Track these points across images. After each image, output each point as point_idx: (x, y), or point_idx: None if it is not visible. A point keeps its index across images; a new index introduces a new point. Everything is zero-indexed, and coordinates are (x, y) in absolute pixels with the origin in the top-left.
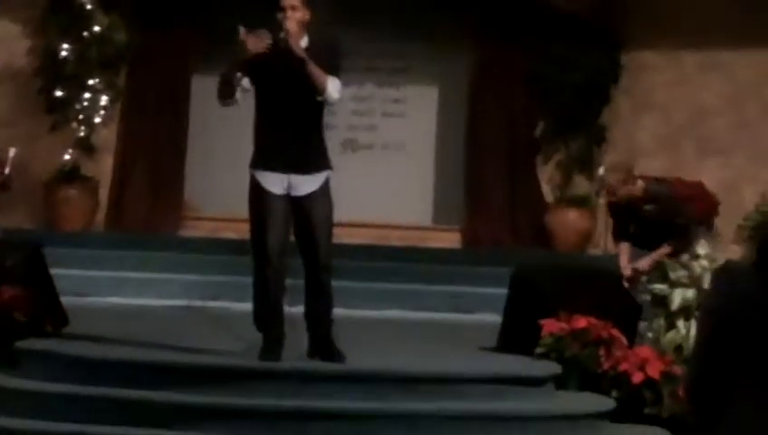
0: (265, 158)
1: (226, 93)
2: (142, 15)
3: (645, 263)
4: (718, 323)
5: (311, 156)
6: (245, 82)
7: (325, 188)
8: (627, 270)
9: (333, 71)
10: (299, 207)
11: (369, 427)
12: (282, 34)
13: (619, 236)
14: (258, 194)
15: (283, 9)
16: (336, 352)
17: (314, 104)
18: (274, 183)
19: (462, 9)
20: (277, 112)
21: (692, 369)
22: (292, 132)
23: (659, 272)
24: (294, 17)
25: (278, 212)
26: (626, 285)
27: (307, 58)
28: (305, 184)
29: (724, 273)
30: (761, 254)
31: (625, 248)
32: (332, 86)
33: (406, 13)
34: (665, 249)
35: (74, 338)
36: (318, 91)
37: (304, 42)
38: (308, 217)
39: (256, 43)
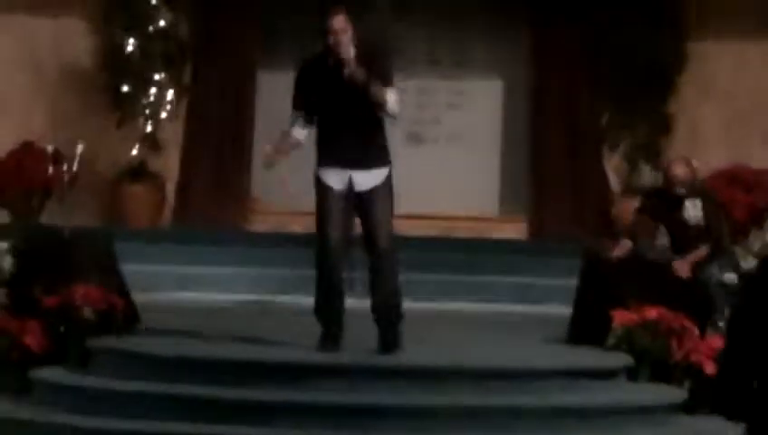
0: (327, 157)
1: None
2: (206, 10)
3: (685, 266)
4: None
5: (370, 155)
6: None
7: (387, 183)
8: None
9: (388, 81)
10: (360, 201)
11: (439, 422)
12: (346, 71)
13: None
14: (320, 190)
15: (334, 32)
16: (392, 343)
17: (373, 114)
18: (335, 179)
19: None
20: (337, 126)
21: None
22: (351, 140)
23: (729, 261)
24: (346, 39)
25: (338, 206)
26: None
27: (371, 81)
28: (366, 180)
29: None
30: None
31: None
32: (392, 101)
33: (464, 3)
34: (702, 251)
35: (144, 335)
36: (381, 109)
37: (352, 51)
38: (369, 210)
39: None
